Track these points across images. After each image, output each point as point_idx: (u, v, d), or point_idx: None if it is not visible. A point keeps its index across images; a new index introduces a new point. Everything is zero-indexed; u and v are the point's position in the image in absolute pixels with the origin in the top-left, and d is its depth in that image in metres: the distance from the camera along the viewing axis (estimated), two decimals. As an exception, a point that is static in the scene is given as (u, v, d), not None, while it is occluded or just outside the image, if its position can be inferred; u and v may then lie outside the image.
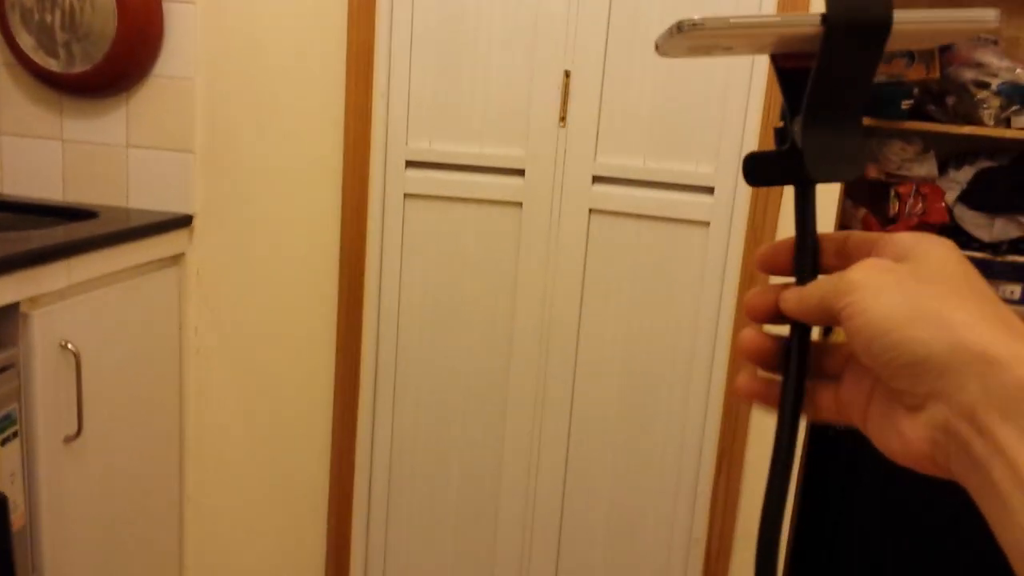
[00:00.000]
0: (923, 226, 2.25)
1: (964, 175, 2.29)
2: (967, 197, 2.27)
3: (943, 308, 0.34)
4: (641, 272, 1.82)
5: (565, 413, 1.89)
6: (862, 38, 0.39)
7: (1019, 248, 2.25)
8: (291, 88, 1.83)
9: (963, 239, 2.27)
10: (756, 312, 0.44)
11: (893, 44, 0.40)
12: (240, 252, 1.91)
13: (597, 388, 1.88)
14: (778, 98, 1.67)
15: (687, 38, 0.40)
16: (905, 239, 0.38)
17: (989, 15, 0.41)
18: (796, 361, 0.43)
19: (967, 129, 2.16)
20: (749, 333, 0.45)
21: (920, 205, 2.28)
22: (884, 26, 0.39)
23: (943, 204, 2.26)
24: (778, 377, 0.44)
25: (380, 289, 1.88)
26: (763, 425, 1.79)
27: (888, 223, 2.28)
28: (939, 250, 0.37)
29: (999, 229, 2.23)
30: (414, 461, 1.96)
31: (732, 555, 1.86)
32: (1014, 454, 0.31)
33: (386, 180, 1.83)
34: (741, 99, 1.69)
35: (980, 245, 2.26)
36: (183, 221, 1.87)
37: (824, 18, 0.39)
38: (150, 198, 1.89)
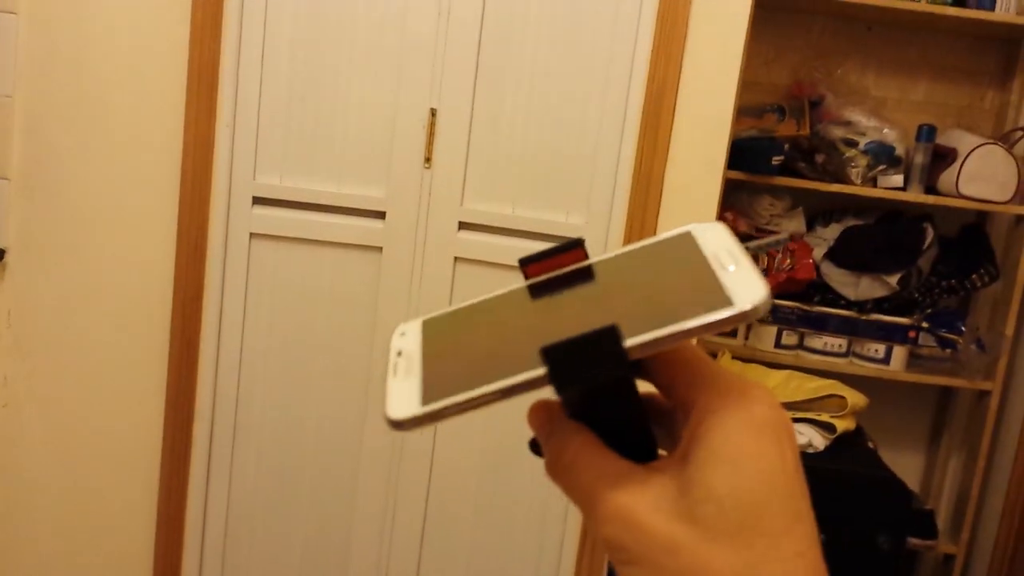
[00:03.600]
0: (791, 281, 2.23)
1: (831, 232, 2.30)
2: (834, 254, 2.27)
3: None
4: (507, 326, 1.70)
5: (423, 478, 1.74)
6: (600, 398, 0.32)
7: (883, 307, 2.26)
8: (124, 110, 1.64)
9: (830, 296, 2.27)
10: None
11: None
12: (59, 293, 1.69)
13: (458, 452, 1.74)
14: (650, 149, 1.60)
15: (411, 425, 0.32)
16: (704, 430, 0.29)
17: (745, 303, 0.30)
18: None
19: (835, 187, 2.17)
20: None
21: (788, 261, 2.26)
22: (618, 382, 0.31)
23: (811, 260, 2.25)
24: None
25: (219, 339, 1.69)
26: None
27: (758, 278, 2.25)
28: (741, 467, 0.28)
29: (864, 288, 2.24)
30: (253, 532, 1.77)
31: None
32: None
33: (229, 217, 1.65)
34: (613, 147, 1.61)
35: (846, 303, 2.26)
36: (-7, 255, 1.65)
37: (551, 380, 0.31)
38: (-45, 228, 1.66)
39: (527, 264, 0.37)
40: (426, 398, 0.32)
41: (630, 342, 0.31)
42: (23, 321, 1.69)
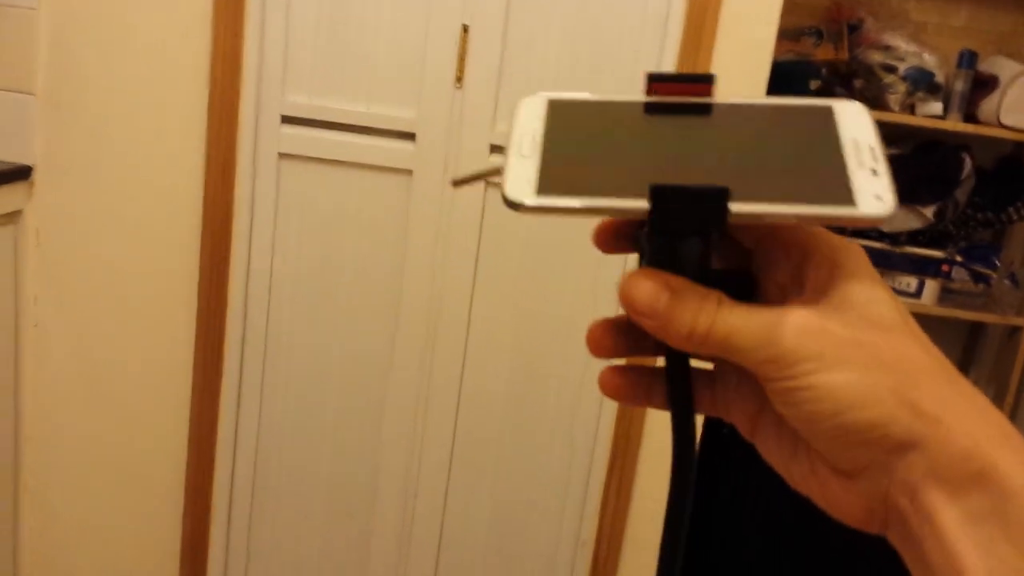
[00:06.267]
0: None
1: (866, 162, 2.25)
2: (868, 185, 2.22)
3: (899, 384, 0.31)
4: (538, 252, 1.68)
5: (452, 403, 1.74)
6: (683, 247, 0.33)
7: (917, 240, 2.22)
8: (150, 23, 1.60)
9: (862, 228, 2.23)
10: (601, 344, 0.39)
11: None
12: (87, 211, 1.67)
13: (487, 377, 1.74)
14: (690, 72, 1.56)
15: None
16: (830, 272, 0.32)
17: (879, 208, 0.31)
18: (679, 397, 0.36)
19: (873, 114, 2.10)
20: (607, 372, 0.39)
21: (822, 191, 2.22)
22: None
23: (845, 191, 2.21)
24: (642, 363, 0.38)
25: (249, 260, 1.68)
26: (658, 426, 1.69)
27: (790, 209, 2.21)
28: (875, 294, 0.32)
29: (898, 220, 2.20)
30: (282, 452, 1.78)
31: (620, 560, 1.75)
32: (950, 536, 0.29)
33: (257, 136, 1.63)
34: (651, 68, 1.57)
35: (879, 235, 2.22)
36: (21, 173, 1.64)
37: (651, 218, 0.32)
38: (-18, 146, 1.65)
39: (654, 81, 0.37)
40: (541, 189, 0.33)
41: (736, 208, 0.30)
42: (51, 241, 1.68)
